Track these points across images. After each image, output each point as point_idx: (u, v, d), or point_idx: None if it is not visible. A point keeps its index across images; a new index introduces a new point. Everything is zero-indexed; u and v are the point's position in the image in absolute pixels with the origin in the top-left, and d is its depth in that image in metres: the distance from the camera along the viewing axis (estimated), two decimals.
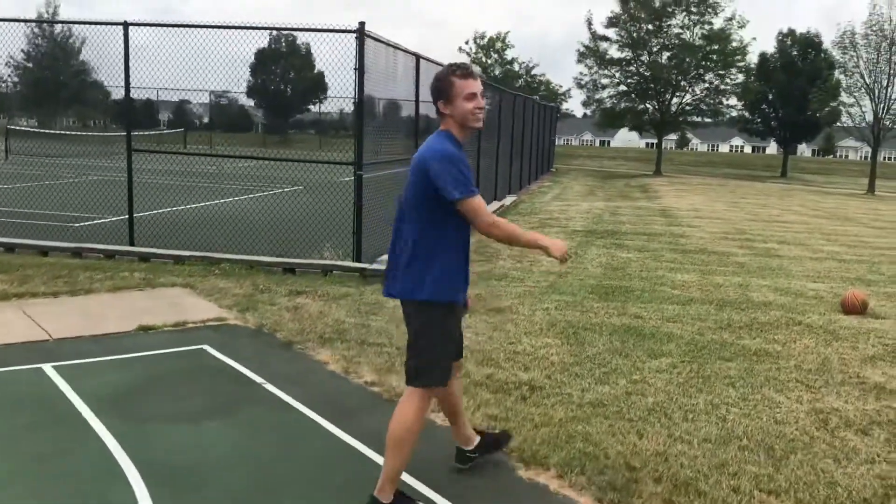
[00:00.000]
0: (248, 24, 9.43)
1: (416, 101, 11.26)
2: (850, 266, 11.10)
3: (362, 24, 8.44)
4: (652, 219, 16.67)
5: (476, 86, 3.37)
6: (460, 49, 54.84)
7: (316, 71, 46.34)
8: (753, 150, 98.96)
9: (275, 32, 38.78)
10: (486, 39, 51.33)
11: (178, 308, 6.86)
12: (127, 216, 9.78)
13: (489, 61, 51.26)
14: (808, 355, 6.14)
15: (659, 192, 26.71)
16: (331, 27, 8.75)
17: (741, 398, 5.06)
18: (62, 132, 35.92)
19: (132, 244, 9.55)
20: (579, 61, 39.47)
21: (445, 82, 3.36)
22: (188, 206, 14.56)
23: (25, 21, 36.89)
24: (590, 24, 40.09)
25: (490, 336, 6.36)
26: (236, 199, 16.99)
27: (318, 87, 46.93)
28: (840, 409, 4.92)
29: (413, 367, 3.42)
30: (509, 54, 52.22)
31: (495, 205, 16.92)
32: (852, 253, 12.55)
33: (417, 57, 10.86)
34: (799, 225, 16.87)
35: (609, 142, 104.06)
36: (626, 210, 18.57)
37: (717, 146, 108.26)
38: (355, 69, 8.55)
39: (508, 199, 19.29)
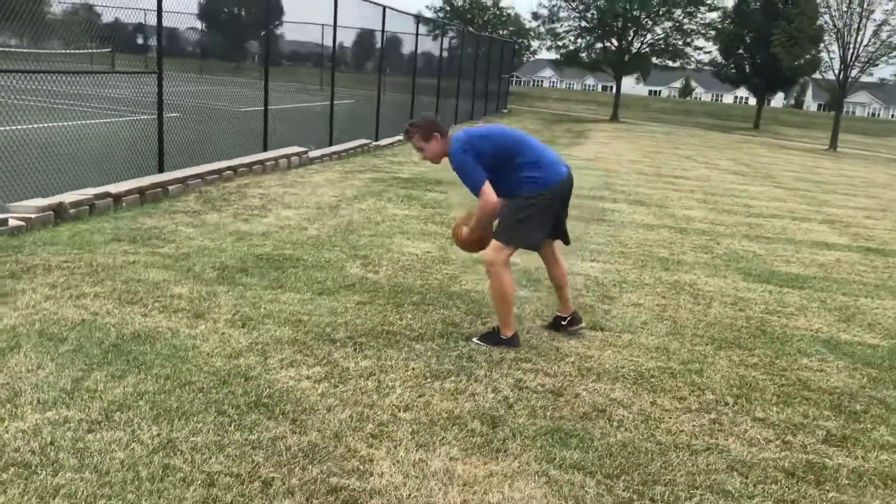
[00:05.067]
0: None
1: None
2: (682, 239, 8.62)
3: None
4: None
5: None
6: None
7: None
8: (758, 103, 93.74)
9: None
10: None
11: None
12: None
13: None
14: None
15: (590, 139, 24.10)
16: None
17: None
18: None
19: None
20: None
21: None
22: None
23: None
24: None
25: None
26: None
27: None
28: None
29: None
30: None
31: (354, 143, 14.26)
32: (710, 220, 10.04)
33: None
34: (692, 182, 14.29)
35: (612, 87, 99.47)
36: None
37: (721, 97, 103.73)
38: None
39: (391, 140, 16.48)
